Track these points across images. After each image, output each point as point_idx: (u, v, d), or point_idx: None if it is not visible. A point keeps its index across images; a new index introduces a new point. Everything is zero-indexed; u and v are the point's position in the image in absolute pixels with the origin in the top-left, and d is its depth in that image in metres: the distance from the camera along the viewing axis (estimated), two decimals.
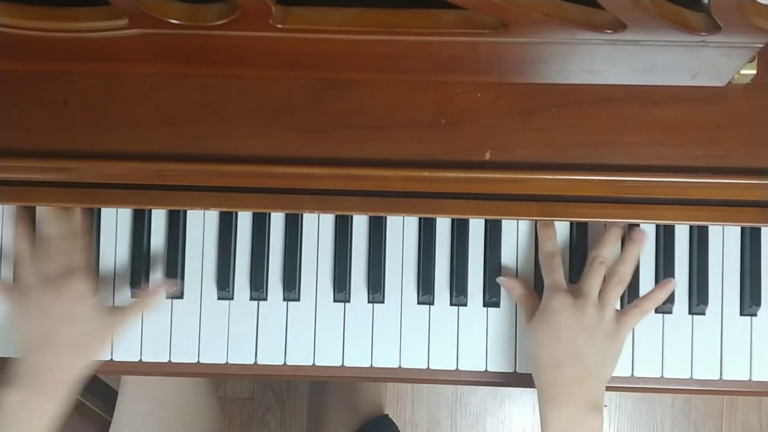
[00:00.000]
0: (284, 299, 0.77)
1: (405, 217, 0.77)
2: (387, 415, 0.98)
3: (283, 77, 0.69)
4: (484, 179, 0.69)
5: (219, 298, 0.77)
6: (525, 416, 1.55)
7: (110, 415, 0.93)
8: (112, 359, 0.77)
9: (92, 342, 0.70)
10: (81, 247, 0.73)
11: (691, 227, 0.76)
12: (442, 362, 0.76)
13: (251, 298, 0.77)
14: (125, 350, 0.77)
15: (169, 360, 0.77)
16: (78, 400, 1.18)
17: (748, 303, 0.76)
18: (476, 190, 0.70)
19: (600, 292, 0.71)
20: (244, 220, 0.78)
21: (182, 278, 0.77)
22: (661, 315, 0.76)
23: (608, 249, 0.73)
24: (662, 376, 0.76)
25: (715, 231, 0.76)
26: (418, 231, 0.77)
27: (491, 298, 0.76)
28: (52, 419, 0.67)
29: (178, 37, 0.60)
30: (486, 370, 0.76)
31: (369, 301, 0.77)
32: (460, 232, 0.77)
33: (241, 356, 0.77)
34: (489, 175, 0.68)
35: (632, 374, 0.76)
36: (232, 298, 0.77)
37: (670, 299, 0.75)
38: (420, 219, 0.77)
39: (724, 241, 0.76)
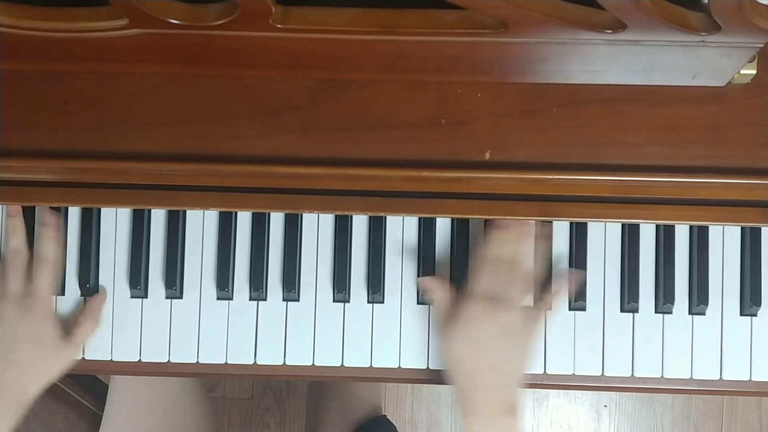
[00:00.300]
0: (284, 299, 0.77)
1: (405, 217, 0.77)
2: (385, 415, 0.98)
3: (283, 77, 0.69)
4: (484, 179, 0.69)
5: (218, 298, 0.77)
6: (525, 416, 1.55)
7: (100, 410, 0.93)
8: (111, 359, 0.77)
9: (50, 363, 0.73)
10: (48, 273, 0.74)
11: (691, 227, 0.76)
12: (442, 362, 0.76)
13: (251, 298, 0.77)
14: (125, 350, 0.77)
15: (169, 360, 0.77)
16: (77, 399, 1.18)
17: (748, 303, 0.76)
18: (476, 190, 0.70)
19: (512, 292, 0.71)
20: (244, 220, 0.78)
21: (182, 278, 0.77)
22: (661, 315, 0.76)
23: (510, 249, 0.72)
24: (662, 376, 0.76)
25: (715, 231, 0.76)
26: (418, 231, 0.77)
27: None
28: (6, 430, 0.69)
29: (178, 37, 0.60)
30: None
31: (369, 302, 0.77)
32: (460, 232, 0.77)
33: (241, 356, 0.77)
34: (489, 175, 0.68)
35: (632, 374, 0.76)
36: (231, 298, 0.77)
37: (670, 299, 0.75)
38: (420, 219, 0.77)
39: (724, 241, 0.76)
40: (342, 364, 0.76)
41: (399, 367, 0.76)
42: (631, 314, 0.76)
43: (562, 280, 0.75)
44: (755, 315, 0.76)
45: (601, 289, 0.77)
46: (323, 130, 0.69)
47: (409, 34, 0.59)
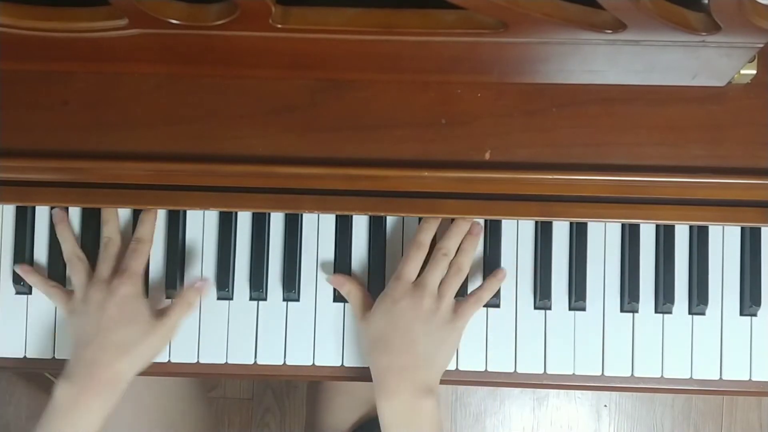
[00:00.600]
0: (284, 299, 0.77)
1: (405, 217, 0.77)
2: None
3: (283, 77, 0.69)
4: (484, 179, 0.69)
5: (218, 298, 0.77)
6: (525, 416, 1.55)
7: None
8: None
9: (142, 344, 0.71)
10: (137, 252, 0.74)
11: (691, 227, 0.76)
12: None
13: (251, 298, 0.77)
14: None
15: (169, 360, 0.77)
16: None
17: (748, 303, 0.76)
18: (476, 190, 0.70)
19: (441, 283, 0.72)
20: (244, 220, 0.78)
21: (182, 278, 0.77)
22: (661, 315, 0.76)
23: (452, 242, 0.74)
24: (662, 376, 0.76)
25: (715, 231, 0.76)
26: None
27: (491, 299, 0.76)
28: (100, 416, 0.69)
29: (178, 37, 0.60)
30: (486, 370, 0.76)
31: None
32: None
33: (241, 356, 0.77)
34: (489, 175, 0.68)
35: (632, 374, 0.76)
36: (231, 298, 0.77)
37: (670, 299, 0.75)
38: (420, 219, 0.77)
39: (724, 241, 0.76)
40: (342, 364, 0.76)
41: None
42: (631, 314, 0.76)
43: (493, 279, 0.75)
44: (755, 315, 0.76)
45: (601, 289, 0.77)
46: (323, 130, 0.69)
47: (409, 34, 0.59)
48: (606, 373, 0.76)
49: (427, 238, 0.74)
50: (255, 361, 0.77)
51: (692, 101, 0.69)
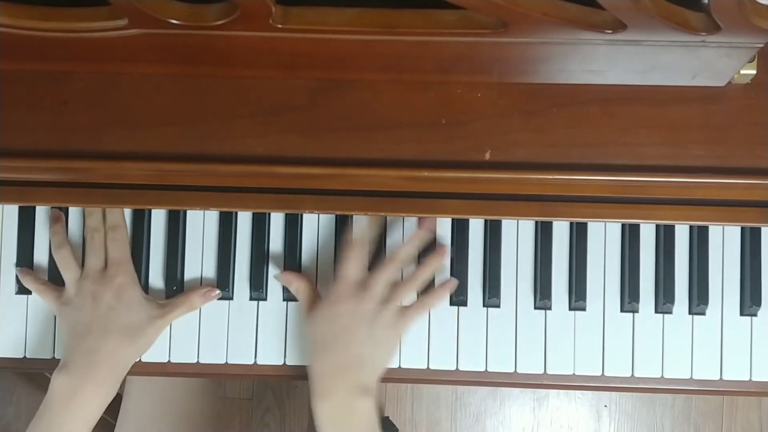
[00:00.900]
0: (284, 299, 0.77)
1: (405, 217, 0.77)
2: (387, 417, 0.98)
3: (283, 77, 0.69)
4: (484, 179, 0.69)
5: (219, 298, 0.77)
6: (525, 416, 1.55)
7: (112, 417, 0.93)
8: None
9: (141, 330, 0.72)
10: (121, 240, 0.74)
11: (691, 227, 0.77)
12: (442, 362, 0.76)
13: (251, 298, 0.77)
14: None
15: (169, 360, 0.77)
16: None
17: (748, 303, 0.76)
18: (476, 190, 0.70)
19: (391, 287, 0.72)
20: (244, 220, 0.78)
21: (182, 278, 0.77)
22: (661, 315, 0.76)
23: (408, 251, 0.74)
24: (662, 376, 0.76)
25: (715, 231, 0.76)
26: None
27: (491, 299, 0.76)
28: (100, 406, 0.69)
29: (178, 37, 0.60)
30: (486, 370, 0.76)
31: None
32: (460, 232, 0.77)
33: (241, 356, 0.77)
34: (489, 175, 0.68)
35: (632, 374, 0.76)
36: (231, 298, 0.77)
37: (670, 299, 0.75)
38: (419, 219, 0.77)
39: (724, 241, 0.76)
40: None
41: (399, 367, 0.76)
42: (631, 314, 0.76)
43: (443, 289, 0.75)
44: (755, 315, 0.76)
45: (601, 289, 0.77)
46: (323, 130, 0.69)
47: (409, 34, 0.59)
48: (606, 373, 0.76)
49: (360, 235, 0.74)
50: (255, 361, 0.77)
51: (692, 101, 0.69)
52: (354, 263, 0.73)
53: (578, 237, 0.76)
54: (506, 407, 1.56)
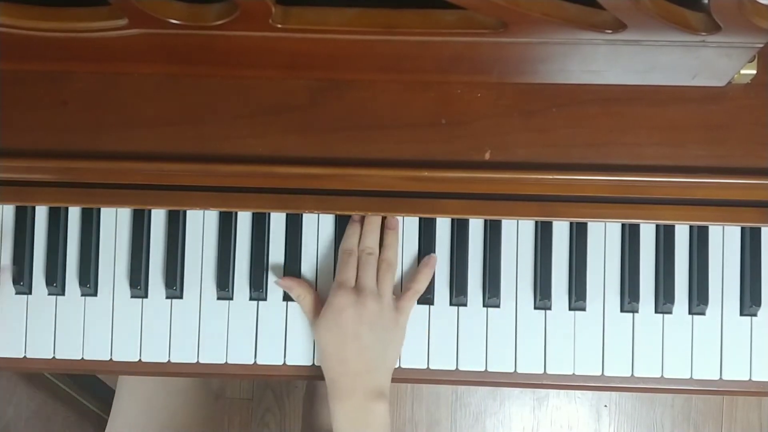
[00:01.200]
0: (284, 299, 0.77)
1: (405, 217, 0.77)
2: None
3: (283, 77, 0.69)
4: (484, 179, 0.69)
5: (218, 298, 0.77)
6: (525, 416, 1.55)
7: (108, 414, 0.93)
8: (111, 359, 0.77)
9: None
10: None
11: (691, 227, 0.76)
12: (442, 362, 0.76)
13: (251, 298, 0.77)
14: (125, 350, 0.76)
15: (169, 360, 0.77)
16: (77, 399, 1.18)
17: (748, 303, 0.76)
18: (476, 190, 0.70)
19: (373, 281, 0.73)
20: (244, 220, 0.78)
21: (182, 278, 0.77)
22: (661, 315, 0.76)
23: (371, 239, 0.75)
24: (662, 376, 0.76)
25: (715, 231, 0.76)
26: (419, 231, 0.77)
27: (491, 299, 0.76)
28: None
29: (178, 37, 0.60)
30: (486, 370, 0.76)
31: None
32: (460, 232, 0.77)
33: (241, 356, 0.77)
34: (489, 175, 0.68)
35: (632, 374, 0.76)
36: (231, 298, 0.77)
37: (670, 299, 0.75)
38: (420, 219, 0.77)
39: (724, 241, 0.76)
40: None
41: (399, 366, 0.76)
42: (631, 314, 0.76)
43: (425, 268, 0.75)
44: (755, 315, 0.76)
45: (601, 289, 0.77)
46: (323, 130, 0.69)
47: (409, 34, 0.59)
48: (606, 373, 0.76)
49: (352, 243, 0.75)
50: (255, 361, 0.77)
51: (692, 101, 0.69)
52: (350, 269, 0.73)
53: (578, 237, 0.76)
54: (506, 407, 1.56)
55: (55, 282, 0.76)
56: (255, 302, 0.77)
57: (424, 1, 0.58)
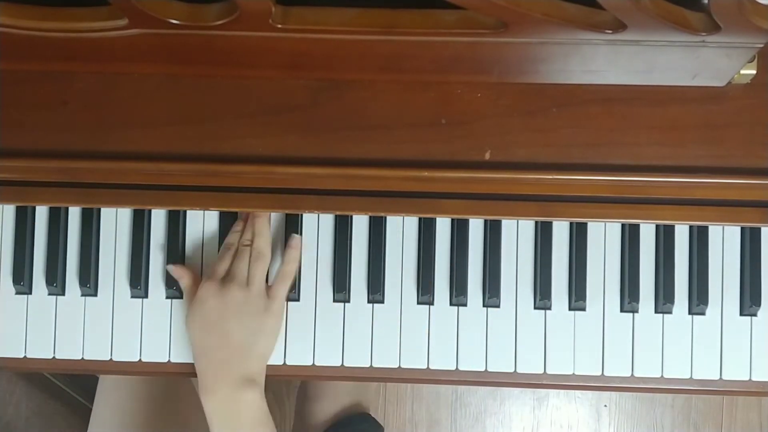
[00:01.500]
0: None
1: (405, 217, 0.77)
2: (368, 413, 0.98)
3: (283, 77, 0.69)
4: (484, 179, 0.69)
5: None
6: (525, 416, 1.55)
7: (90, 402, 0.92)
8: (111, 359, 0.77)
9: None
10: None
11: (691, 227, 0.76)
12: (442, 362, 0.76)
13: None
14: (125, 350, 0.77)
15: (169, 360, 0.77)
16: (77, 399, 1.18)
17: (748, 303, 0.76)
18: (476, 190, 0.70)
19: (244, 271, 0.73)
20: None
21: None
22: (661, 315, 0.76)
23: (251, 232, 0.75)
24: (662, 376, 0.76)
25: (715, 231, 0.76)
26: (418, 231, 0.77)
27: (491, 299, 0.76)
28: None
29: (178, 37, 0.60)
30: (486, 370, 0.76)
31: (369, 301, 0.77)
32: (460, 232, 0.77)
33: None
34: (489, 175, 0.68)
35: (632, 374, 0.76)
36: None
37: (670, 299, 0.75)
38: (420, 219, 0.77)
39: (724, 241, 0.76)
40: (342, 364, 0.76)
41: (399, 366, 0.76)
42: (631, 314, 0.76)
43: (290, 250, 0.76)
44: (755, 315, 0.76)
45: (601, 289, 0.77)
46: (323, 130, 0.69)
47: (409, 34, 0.59)
48: (606, 373, 0.76)
49: (233, 238, 0.75)
50: None
51: (692, 101, 0.69)
52: (224, 263, 0.74)
53: (578, 237, 0.76)
54: (506, 407, 1.56)
55: (55, 282, 0.76)
56: None
57: (424, 1, 0.59)
